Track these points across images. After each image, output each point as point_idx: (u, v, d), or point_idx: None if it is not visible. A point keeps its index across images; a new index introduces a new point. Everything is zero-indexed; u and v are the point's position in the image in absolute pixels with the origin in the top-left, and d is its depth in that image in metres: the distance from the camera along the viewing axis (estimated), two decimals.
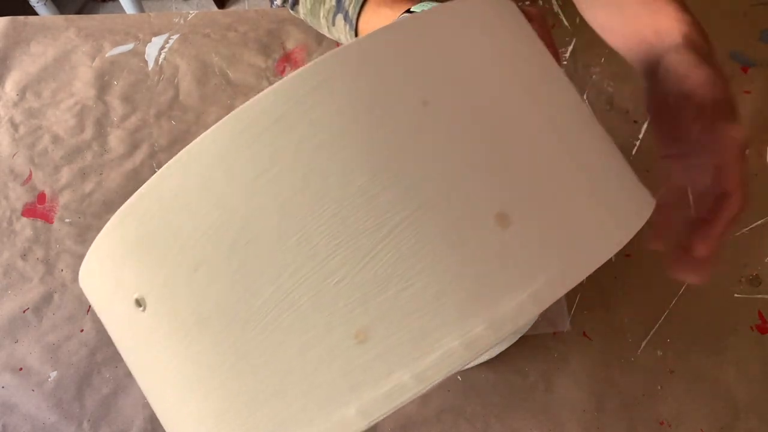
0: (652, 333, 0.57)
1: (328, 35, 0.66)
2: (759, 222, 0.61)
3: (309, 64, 0.28)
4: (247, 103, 0.28)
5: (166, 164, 0.28)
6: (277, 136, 0.27)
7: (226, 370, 0.28)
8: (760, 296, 0.58)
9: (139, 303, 0.30)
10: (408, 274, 0.26)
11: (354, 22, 0.58)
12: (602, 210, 0.30)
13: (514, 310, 0.27)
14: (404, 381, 0.26)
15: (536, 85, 0.32)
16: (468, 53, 0.30)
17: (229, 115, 0.27)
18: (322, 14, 0.63)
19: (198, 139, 0.28)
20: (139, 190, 0.29)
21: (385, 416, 0.27)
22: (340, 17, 0.60)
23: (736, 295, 0.58)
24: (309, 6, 0.64)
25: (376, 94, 0.28)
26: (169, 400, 0.31)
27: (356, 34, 0.59)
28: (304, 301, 0.27)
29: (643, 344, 0.56)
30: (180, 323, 0.29)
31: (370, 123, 0.27)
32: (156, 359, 0.30)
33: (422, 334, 0.26)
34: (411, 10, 0.52)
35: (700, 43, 0.42)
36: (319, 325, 0.27)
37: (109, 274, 0.31)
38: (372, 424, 0.27)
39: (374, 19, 0.57)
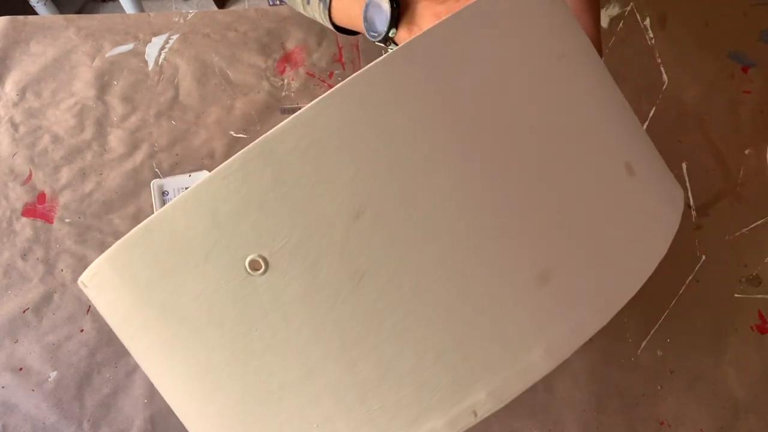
0: (652, 333, 0.57)
1: (303, 13, 0.65)
2: (759, 222, 0.61)
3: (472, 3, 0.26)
4: (413, 40, 0.24)
5: (319, 97, 0.24)
6: (450, 69, 0.25)
7: (387, 328, 0.25)
8: (760, 296, 0.58)
9: (256, 266, 0.25)
10: (575, 210, 0.26)
11: (328, 1, 0.59)
12: (670, 179, 0.35)
13: (659, 241, 0.29)
14: (586, 318, 0.27)
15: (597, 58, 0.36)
16: (573, 21, 0.33)
17: (397, 50, 0.24)
18: None
19: (362, 71, 0.24)
20: (280, 125, 0.24)
21: (567, 356, 0.26)
22: None
23: (736, 295, 0.58)
24: None
25: (525, 47, 0.28)
26: (298, 367, 0.27)
27: (329, 14, 0.60)
28: (490, 242, 0.24)
29: (643, 344, 0.56)
30: (325, 281, 0.25)
31: (528, 68, 0.27)
32: (278, 326, 0.26)
33: (600, 271, 0.27)
34: None
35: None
36: (505, 267, 0.25)
37: (200, 237, 0.26)
38: (557, 364, 0.25)
39: (348, 0, 0.57)
